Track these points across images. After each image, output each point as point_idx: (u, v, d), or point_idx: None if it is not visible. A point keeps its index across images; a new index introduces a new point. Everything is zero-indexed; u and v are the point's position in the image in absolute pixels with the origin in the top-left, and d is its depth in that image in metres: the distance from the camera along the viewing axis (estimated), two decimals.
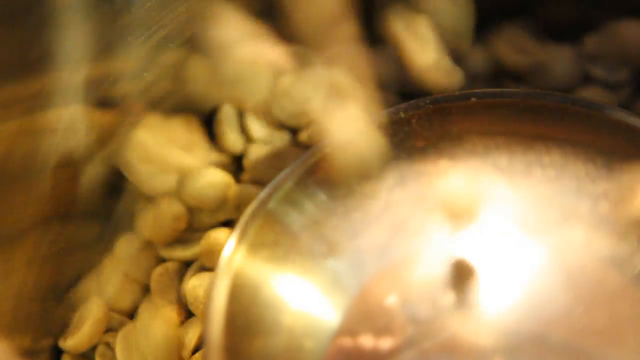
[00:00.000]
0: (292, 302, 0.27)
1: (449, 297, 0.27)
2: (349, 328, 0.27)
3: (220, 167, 0.32)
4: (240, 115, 0.34)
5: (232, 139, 0.33)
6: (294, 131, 0.34)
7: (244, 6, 0.30)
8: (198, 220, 0.32)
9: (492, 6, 0.33)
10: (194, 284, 0.30)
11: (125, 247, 0.32)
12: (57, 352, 0.31)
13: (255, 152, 0.33)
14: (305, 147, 0.32)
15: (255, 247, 0.28)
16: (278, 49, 0.31)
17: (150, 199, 0.31)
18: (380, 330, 0.27)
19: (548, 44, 0.34)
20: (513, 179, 0.29)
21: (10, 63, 0.27)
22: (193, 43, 0.32)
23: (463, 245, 0.28)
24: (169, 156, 0.31)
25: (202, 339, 0.27)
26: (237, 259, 0.28)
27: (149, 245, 0.32)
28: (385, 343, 0.26)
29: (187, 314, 0.30)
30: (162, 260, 0.32)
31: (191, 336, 0.29)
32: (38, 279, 0.30)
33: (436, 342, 0.26)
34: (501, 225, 0.28)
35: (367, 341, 0.27)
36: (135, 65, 0.31)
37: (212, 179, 0.31)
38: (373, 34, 0.31)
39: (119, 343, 0.30)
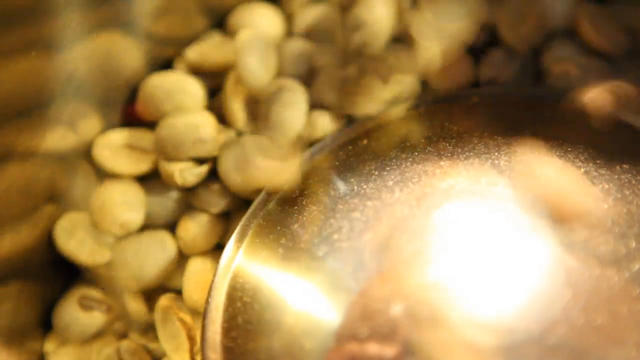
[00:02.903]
0: (292, 302, 0.27)
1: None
2: (349, 328, 0.27)
3: None
4: None
5: None
6: None
7: None
8: None
9: None
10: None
11: None
12: None
13: None
14: None
15: (255, 247, 0.28)
16: None
17: None
18: (381, 330, 0.27)
19: None
20: (513, 179, 0.29)
21: None
22: None
23: (462, 244, 0.28)
24: None
25: (202, 339, 0.27)
26: (236, 259, 0.28)
27: None
28: (386, 343, 0.26)
29: None
30: None
31: None
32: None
33: (436, 341, 0.26)
34: (501, 225, 0.28)
35: (367, 341, 0.26)
36: None
37: None
38: None
39: None
